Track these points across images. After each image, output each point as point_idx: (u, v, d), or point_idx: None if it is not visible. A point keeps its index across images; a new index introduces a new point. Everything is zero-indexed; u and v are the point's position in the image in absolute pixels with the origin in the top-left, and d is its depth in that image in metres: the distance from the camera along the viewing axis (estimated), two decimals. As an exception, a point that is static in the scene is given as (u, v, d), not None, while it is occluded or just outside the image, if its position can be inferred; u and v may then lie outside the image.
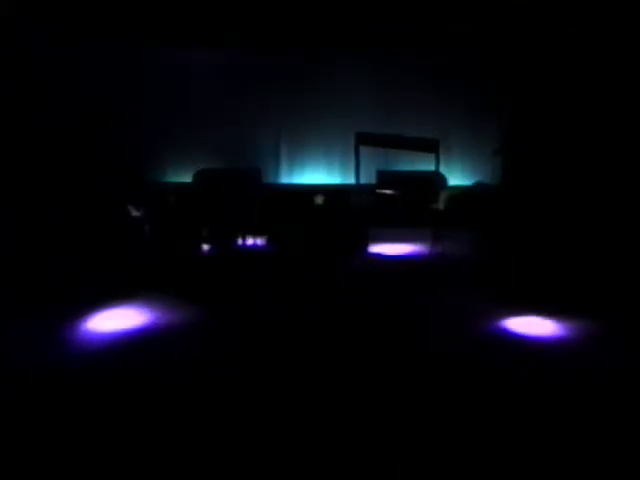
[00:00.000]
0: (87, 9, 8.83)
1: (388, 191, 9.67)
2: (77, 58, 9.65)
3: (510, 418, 4.17)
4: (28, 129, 8.71)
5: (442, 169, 9.82)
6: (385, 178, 10.06)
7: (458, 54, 9.96)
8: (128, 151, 10.09)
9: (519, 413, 4.23)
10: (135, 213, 7.82)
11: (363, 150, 9.92)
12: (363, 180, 10.01)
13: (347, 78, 10.37)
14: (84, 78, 9.70)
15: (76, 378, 4.80)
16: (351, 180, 10.19)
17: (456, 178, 10.37)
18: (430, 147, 9.54)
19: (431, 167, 9.65)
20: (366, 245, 8.27)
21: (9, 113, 8.55)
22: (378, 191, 9.72)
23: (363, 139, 9.86)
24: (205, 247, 7.90)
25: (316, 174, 10.68)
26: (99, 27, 9.15)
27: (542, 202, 8.45)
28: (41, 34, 8.93)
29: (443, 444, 3.86)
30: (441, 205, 8.93)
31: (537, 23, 8.80)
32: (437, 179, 9.64)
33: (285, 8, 9.01)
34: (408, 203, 9.50)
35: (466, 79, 10.21)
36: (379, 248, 8.47)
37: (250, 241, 8.15)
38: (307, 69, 10.38)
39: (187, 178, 10.31)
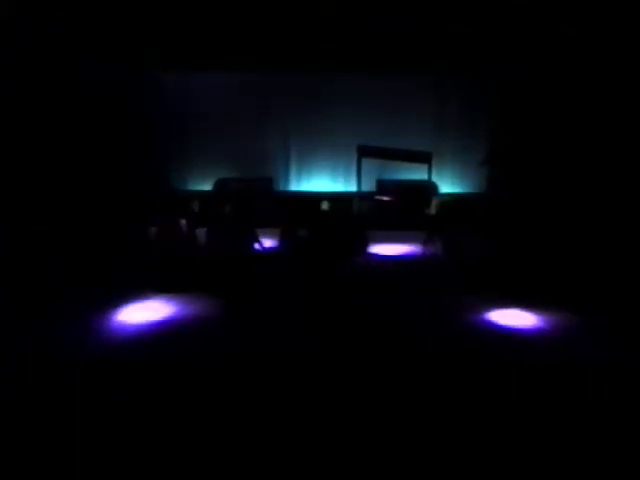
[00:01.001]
0: (114, 39, 8.89)
1: (386, 198, 9.79)
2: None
3: (494, 403, 4.24)
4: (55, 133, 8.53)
5: (434, 178, 9.99)
6: (384, 186, 10.20)
7: (450, 77, 10.05)
8: (156, 162, 10.19)
9: (503, 398, 4.31)
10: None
11: (364, 161, 10.07)
12: (364, 188, 10.17)
13: (351, 97, 10.49)
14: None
15: (109, 363, 4.89)
16: (353, 188, 10.32)
17: (447, 186, 10.49)
18: (424, 159, 9.74)
19: (424, 176, 9.85)
20: (366, 247, 8.35)
21: (37, 120, 8.31)
22: (377, 198, 9.84)
23: (364, 151, 10.06)
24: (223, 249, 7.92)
25: (322, 182, 10.80)
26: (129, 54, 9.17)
27: (525, 206, 8.56)
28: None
29: (436, 427, 3.96)
30: (433, 210, 9.04)
31: (513, 49, 8.89)
32: (430, 187, 9.81)
33: (296, 34, 9.11)
34: (404, 208, 9.62)
35: (457, 99, 10.30)
36: (378, 249, 8.54)
37: (265, 243, 8.22)
38: (316, 89, 10.50)
39: (207, 186, 10.45)
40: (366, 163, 10.09)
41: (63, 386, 4.46)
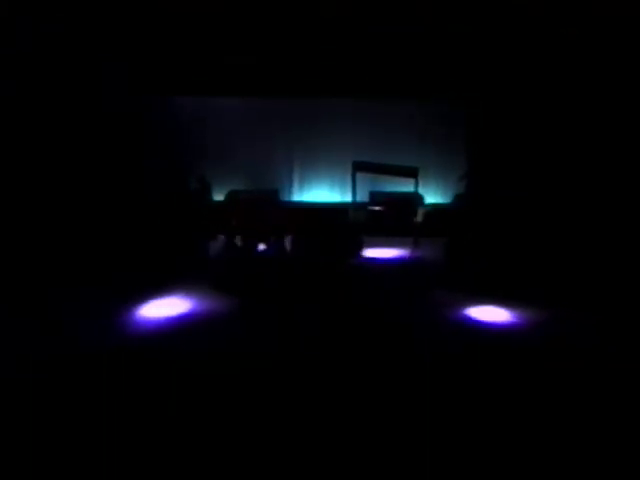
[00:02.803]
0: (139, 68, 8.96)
1: (378, 208, 9.84)
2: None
3: (479, 393, 4.26)
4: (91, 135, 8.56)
5: (420, 190, 10.05)
6: (376, 197, 10.28)
7: (436, 103, 10.21)
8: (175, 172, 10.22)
9: (488, 388, 4.32)
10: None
11: (359, 175, 10.21)
12: (358, 199, 10.27)
13: (347, 119, 10.62)
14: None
15: (132, 356, 4.87)
16: (349, 198, 10.41)
17: (431, 197, 10.59)
18: (411, 173, 9.88)
19: (412, 189, 9.92)
20: (360, 251, 8.36)
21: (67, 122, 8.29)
22: (370, 207, 9.88)
23: (359, 166, 10.22)
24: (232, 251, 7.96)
25: (321, 193, 10.88)
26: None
27: (498, 214, 8.63)
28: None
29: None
30: (419, 219, 9.09)
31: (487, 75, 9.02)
32: (416, 198, 9.88)
33: (301, 65, 9.30)
34: (394, 217, 9.67)
35: (439, 121, 10.42)
36: (371, 252, 8.59)
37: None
38: (316, 112, 10.62)
39: (220, 197, 10.52)
40: (360, 177, 10.18)
41: (82, 378, 4.42)
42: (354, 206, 10.25)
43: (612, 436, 3.68)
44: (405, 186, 10.27)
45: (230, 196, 10.53)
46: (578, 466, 3.45)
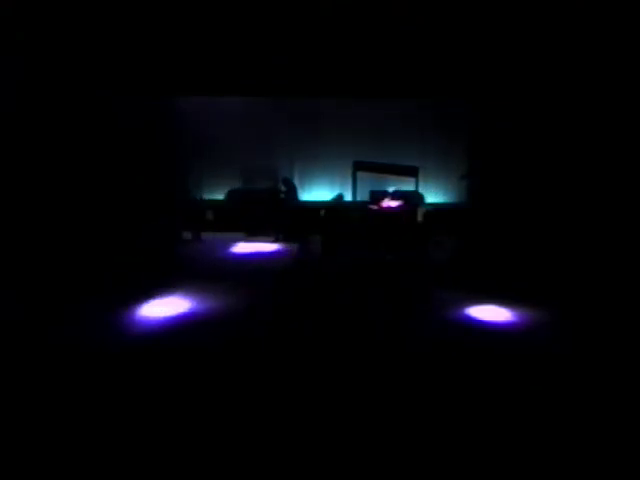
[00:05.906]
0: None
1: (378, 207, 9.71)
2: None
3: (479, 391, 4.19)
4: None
5: (420, 190, 9.94)
6: (376, 196, 10.10)
7: (433, 102, 10.05)
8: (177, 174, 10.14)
9: (487, 386, 4.27)
10: None
11: (359, 174, 10.10)
12: (359, 198, 10.11)
13: (348, 118, 10.49)
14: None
15: (133, 354, 4.84)
16: (349, 198, 10.28)
17: (431, 197, 10.49)
18: (411, 172, 9.74)
19: (412, 188, 9.76)
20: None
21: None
22: (370, 207, 9.75)
23: (359, 166, 10.09)
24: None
25: (321, 192, 10.77)
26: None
27: (499, 213, 8.56)
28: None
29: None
30: (419, 218, 8.98)
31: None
32: (417, 198, 9.71)
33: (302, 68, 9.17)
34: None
35: (439, 121, 10.32)
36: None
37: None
38: (317, 112, 10.50)
39: (220, 196, 10.44)
40: (361, 176, 10.06)
41: (83, 377, 4.40)
42: (354, 205, 10.14)
43: (608, 433, 3.62)
44: (405, 185, 10.17)
45: (231, 195, 10.43)
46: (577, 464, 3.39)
